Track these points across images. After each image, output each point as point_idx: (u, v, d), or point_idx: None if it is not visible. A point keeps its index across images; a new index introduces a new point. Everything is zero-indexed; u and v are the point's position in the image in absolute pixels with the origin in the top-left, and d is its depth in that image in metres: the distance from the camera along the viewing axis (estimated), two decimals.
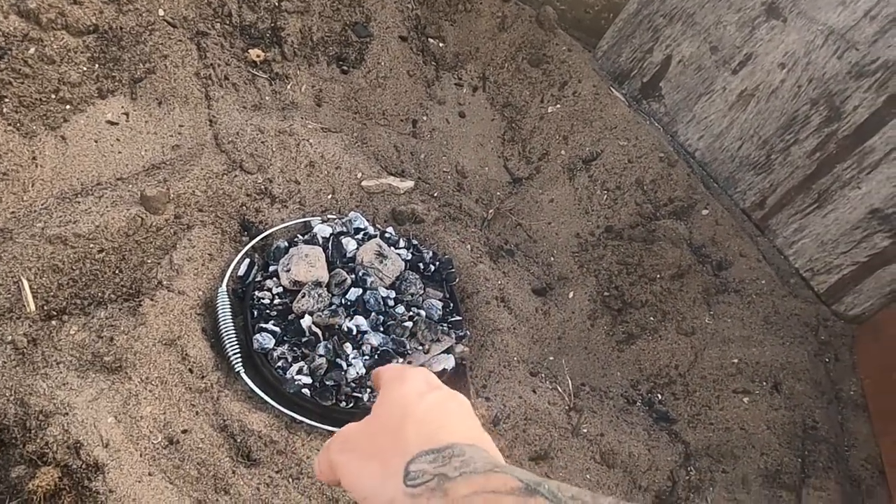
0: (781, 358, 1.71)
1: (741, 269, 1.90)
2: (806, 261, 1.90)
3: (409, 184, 1.82)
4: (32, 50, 1.47)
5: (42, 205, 1.42)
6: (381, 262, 1.51)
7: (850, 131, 1.76)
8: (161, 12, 1.63)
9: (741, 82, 1.96)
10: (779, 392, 1.67)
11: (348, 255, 1.53)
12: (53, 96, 1.50)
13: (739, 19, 1.94)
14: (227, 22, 1.76)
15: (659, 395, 1.72)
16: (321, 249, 1.49)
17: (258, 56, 1.80)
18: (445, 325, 1.53)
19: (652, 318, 1.81)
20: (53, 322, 1.32)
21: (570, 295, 1.83)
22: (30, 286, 1.31)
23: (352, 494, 0.47)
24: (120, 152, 1.55)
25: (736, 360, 1.72)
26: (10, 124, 1.43)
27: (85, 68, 1.54)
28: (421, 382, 0.50)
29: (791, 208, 1.91)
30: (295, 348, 1.38)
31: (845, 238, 1.81)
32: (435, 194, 1.90)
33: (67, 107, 1.52)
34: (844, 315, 1.86)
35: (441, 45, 2.12)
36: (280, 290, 1.46)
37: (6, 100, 1.44)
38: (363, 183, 1.76)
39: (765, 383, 1.69)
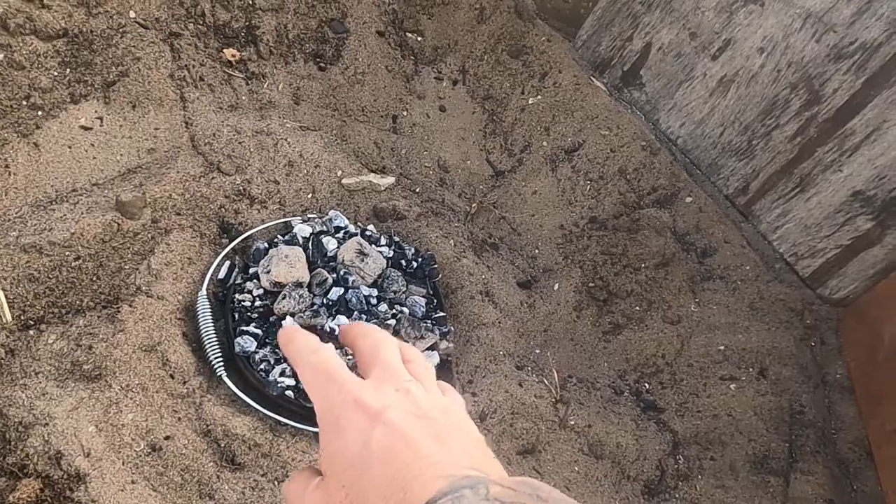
0: (767, 343, 1.72)
1: (726, 255, 1.90)
2: (790, 245, 1.90)
3: (390, 180, 1.80)
4: (1, 56, 1.45)
5: (16, 213, 1.40)
6: (363, 260, 1.50)
7: (830, 114, 1.76)
8: (132, 14, 1.61)
9: (721, 68, 1.96)
10: (765, 378, 1.68)
11: (329, 254, 1.52)
12: (24, 103, 1.48)
13: (717, 4, 1.93)
14: (201, 22, 1.74)
15: (646, 385, 1.72)
16: (301, 249, 1.48)
17: (233, 56, 1.78)
18: (429, 321, 1.52)
19: (637, 308, 1.81)
20: (31, 332, 1.30)
21: (556, 287, 1.83)
22: (6, 296, 1.30)
23: None
24: (94, 157, 1.53)
25: (722, 347, 1.72)
26: None
27: (56, 73, 1.52)
28: (357, 420, 0.42)
29: (774, 193, 1.91)
30: (277, 350, 1.37)
31: (828, 221, 1.81)
32: (417, 190, 1.89)
33: (39, 113, 1.50)
34: (829, 298, 1.86)
35: (419, 38, 2.10)
36: (261, 291, 1.45)
37: None
38: (343, 181, 1.74)
39: (751, 369, 1.69)
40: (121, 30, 1.59)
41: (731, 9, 1.91)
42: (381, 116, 1.99)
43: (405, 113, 2.03)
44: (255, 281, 1.46)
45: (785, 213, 1.89)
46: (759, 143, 1.91)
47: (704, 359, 1.71)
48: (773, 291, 1.83)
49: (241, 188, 1.62)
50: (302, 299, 1.41)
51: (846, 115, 1.73)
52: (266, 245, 1.51)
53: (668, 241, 1.86)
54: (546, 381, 1.61)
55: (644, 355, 1.75)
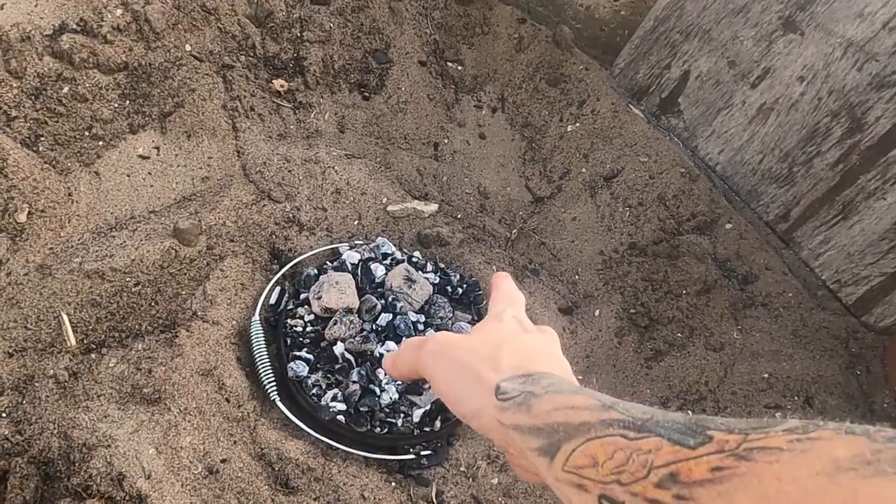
0: (812, 371, 1.71)
1: (767, 282, 1.89)
2: (833, 272, 1.89)
3: (434, 207, 1.84)
4: (66, 89, 1.51)
5: (79, 240, 1.46)
6: (410, 286, 1.53)
7: (872, 142, 1.76)
8: (188, 48, 1.67)
9: (760, 96, 1.97)
10: (811, 406, 1.66)
11: (377, 280, 1.55)
12: (87, 133, 1.54)
13: (756, 34, 1.95)
14: (252, 54, 1.80)
15: (689, 412, 1.71)
16: (351, 276, 1.51)
17: (282, 86, 1.83)
18: None
19: (679, 335, 1.81)
20: (93, 355, 1.35)
21: (597, 313, 1.84)
22: (69, 321, 1.34)
23: (439, 394, 0.53)
24: (152, 186, 1.59)
25: (766, 375, 1.71)
26: (46, 162, 1.47)
27: (116, 105, 1.58)
28: (517, 325, 0.55)
29: (816, 220, 1.90)
30: (329, 375, 1.40)
31: (872, 249, 1.80)
32: (459, 216, 1.92)
33: (100, 143, 1.56)
34: (874, 326, 1.85)
35: (459, 68, 2.15)
36: (312, 317, 1.48)
37: (42, 138, 1.48)
38: (388, 208, 1.78)
39: (796, 398, 1.68)
40: (177, 63, 1.65)
41: (770, 38, 1.93)
42: (423, 144, 2.03)
43: (446, 140, 2.07)
44: (306, 307, 1.49)
45: (827, 240, 1.89)
46: (800, 170, 1.91)
47: (749, 386, 1.70)
48: (817, 319, 1.82)
49: (290, 215, 1.67)
50: (352, 325, 1.43)
51: (889, 143, 1.73)
52: (316, 271, 1.55)
53: (708, 267, 1.86)
54: None
55: (687, 382, 1.75)
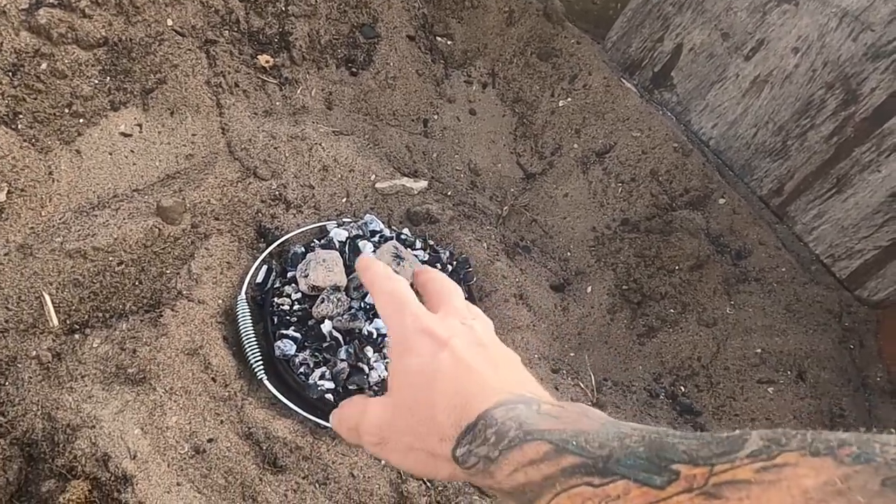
0: (805, 346, 1.70)
1: (761, 257, 1.88)
2: (826, 247, 1.87)
3: (423, 184, 1.81)
4: (44, 65, 1.47)
5: (60, 219, 1.43)
6: (399, 264, 1.51)
7: (867, 114, 1.74)
8: (170, 22, 1.64)
9: (754, 68, 1.94)
10: (804, 381, 1.66)
11: None
12: (67, 110, 1.50)
13: (750, 5, 1.92)
14: (236, 29, 1.76)
15: (682, 388, 1.70)
16: (338, 254, 1.49)
17: (267, 62, 1.80)
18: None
19: (672, 310, 1.80)
20: (76, 336, 1.33)
21: (589, 289, 1.82)
22: (52, 301, 1.32)
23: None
24: (134, 164, 1.56)
25: (759, 350, 1.70)
26: (25, 140, 1.44)
27: (97, 81, 1.54)
28: (426, 345, 0.48)
29: (809, 194, 1.89)
30: (316, 353, 1.38)
31: (866, 222, 1.78)
32: (449, 193, 1.89)
33: (81, 120, 1.52)
34: (868, 300, 1.84)
35: (449, 42, 2.11)
36: (299, 295, 1.46)
37: (21, 116, 1.45)
38: (377, 185, 1.75)
39: (789, 372, 1.67)
40: (159, 38, 1.62)
41: (764, 9, 1.89)
42: (413, 120, 2.00)
43: (436, 116, 2.03)
44: (293, 285, 1.47)
45: (821, 214, 1.87)
46: (794, 143, 1.89)
47: (741, 362, 1.69)
48: (810, 293, 1.81)
49: (277, 193, 1.64)
50: (340, 303, 1.42)
51: (884, 115, 1.70)
52: (303, 249, 1.53)
53: (701, 242, 1.84)
54: (582, 385, 1.60)
55: (679, 358, 1.74)
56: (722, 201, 1.95)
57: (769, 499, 0.27)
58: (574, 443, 0.38)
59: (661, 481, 0.32)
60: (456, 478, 0.46)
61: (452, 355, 0.47)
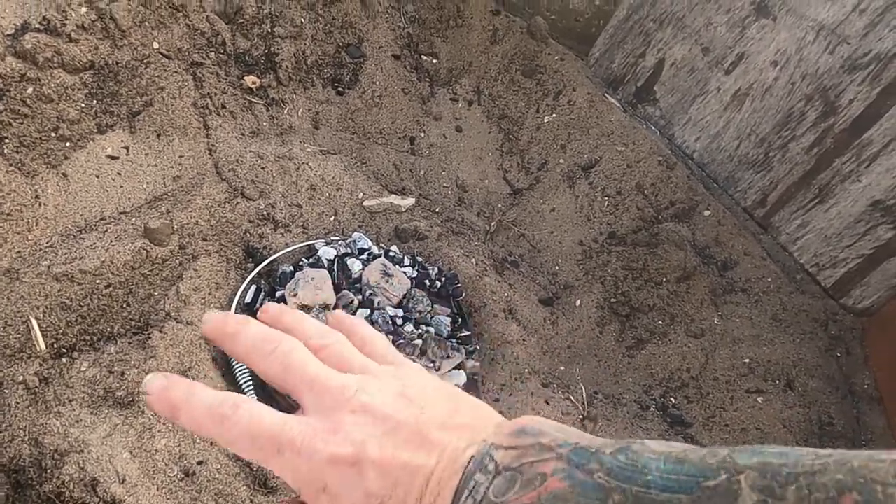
0: (793, 355, 1.71)
1: (746, 268, 1.90)
2: (811, 256, 1.90)
3: (411, 201, 1.82)
4: (30, 90, 1.48)
5: (47, 243, 1.43)
6: (388, 281, 1.51)
7: (846, 125, 1.77)
8: (156, 45, 1.65)
9: (735, 82, 1.97)
10: (792, 390, 1.67)
11: (354, 276, 1.53)
12: (53, 134, 1.51)
13: (729, 20, 1.95)
14: (222, 51, 1.77)
15: (672, 399, 1.71)
16: (327, 272, 1.50)
17: (254, 83, 1.81)
18: (455, 340, 1.53)
19: (660, 322, 1.81)
20: (64, 360, 1.32)
21: (577, 303, 1.83)
22: (39, 325, 1.31)
23: None
24: (122, 186, 1.56)
25: (747, 360, 1.71)
26: (11, 164, 1.44)
27: (83, 105, 1.55)
28: (363, 418, 0.37)
29: (793, 205, 1.91)
30: None
31: (849, 231, 1.81)
32: (437, 210, 1.90)
33: (67, 144, 1.53)
34: (853, 308, 1.86)
35: (434, 61, 2.13)
36: None
37: (6, 140, 1.45)
38: (365, 203, 1.76)
39: (778, 381, 1.68)
40: (145, 61, 1.63)
41: (743, 24, 1.93)
42: (399, 138, 2.01)
43: (422, 134, 2.05)
44: (282, 304, 1.47)
45: (804, 223, 1.89)
46: (776, 154, 1.92)
47: (730, 372, 1.70)
48: (796, 303, 1.83)
49: (265, 213, 1.64)
50: None
51: (863, 126, 1.73)
52: (292, 268, 1.53)
53: (688, 254, 1.86)
54: (573, 398, 1.61)
55: (669, 370, 1.74)
56: (707, 213, 1.97)
57: None
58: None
59: None
60: None
61: (377, 472, 0.36)
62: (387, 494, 0.35)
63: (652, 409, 1.68)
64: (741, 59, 1.95)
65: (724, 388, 1.69)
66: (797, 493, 0.26)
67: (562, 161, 2.08)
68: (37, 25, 1.50)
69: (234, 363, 1.37)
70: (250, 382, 1.36)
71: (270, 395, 1.37)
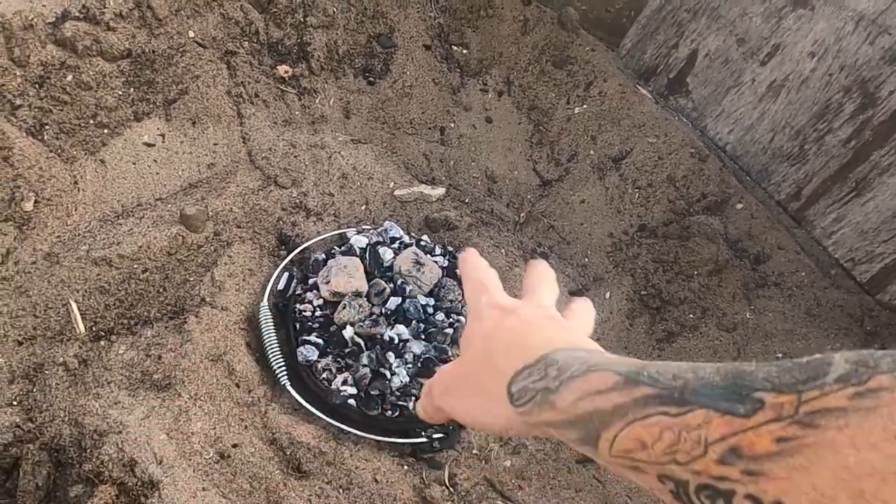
0: (827, 350, 1.68)
1: (780, 261, 1.87)
2: (846, 251, 1.86)
3: (441, 191, 1.82)
4: (70, 77, 1.50)
5: (86, 228, 1.45)
6: (419, 269, 1.51)
7: (886, 117, 1.73)
8: (191, 34, 1.66)
9: (770, 73, 1.94)
10: None
11: (386, 264, 1.54)
12: (91, 121, 1.53)
13: (765, 10, 1.92)
14: (255, 40, 1.78)
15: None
16: (359, 260, 1.50)
17: (286, 72, 1.82)
18: None
19: (691, 316, 1.79)
20: (102, 342, 1.34)
21: (607, 295, 1.82)
22: (78, 308, 1.34)
23: (471, 427, 0.51)
24: (157, 173, 1.58)
25: (780, 355, 1.69)
26: (51, 151, 1.47)
27: (120, 92, 1.57)
28: (495, 311, 0.52)
29: (828, 198, 1.88)
30: (339, 359, 1.39)
31: (886, 226, 1.77)
32: (466, 200, 1.90)
33: (105, 131, 1.55)
34: (889, 304, 1.82)
35: (465, 51, 2.13)
36: (321, 302, 1.47)
37: (47, 127, 1.47)
38: (395, 192, 1.77)
39: None
40: (180, 49, 1.64)
41: (779, 14, 1.90)
42: (429, 128, 2.01)
43: (452, 124, 2.05)
44: (314, 291, 1.48)
45: (840, 217, 1.86)
46: (812, 147, 1.89)
47: None
48: (831, 297, 1.80)
49: (297, 201, 1.65)
50: (361, 309, 1.42)
51: None
52: (324, 256, 1.54)
53: (720, 247, 1.84)
54: None
55: (700, 363, 1.73)
56: (739, 206, 1.94)
57: (871, 426, 0.26)
58: (645, 374, 0.37)
59: (745, 409, 0.30)
60: (512, 425, 0.46)
61: (518, 318, 0.50)
62: (510, 329, 0.49)
63: None
64: (777, 49, 1.92)
65: None
66: (890, 363, 0.27)
67: (592, 152, 2.06)
68: (76, 14, 1.52)
69: (267, 347, 1.38)
70: (283, 366, 1.37)
71: (300, 376, 1.38)
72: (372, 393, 1.36)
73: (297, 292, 1.49)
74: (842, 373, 0.28)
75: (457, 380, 0.51)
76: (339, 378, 1.36)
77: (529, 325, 0.49)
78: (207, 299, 1.43)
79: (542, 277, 0.59)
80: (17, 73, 1.44)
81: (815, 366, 0.30)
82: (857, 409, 0.27)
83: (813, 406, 0.28)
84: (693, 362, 0.36)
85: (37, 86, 1.47)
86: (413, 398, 1.37)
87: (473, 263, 0.59)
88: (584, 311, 0.58)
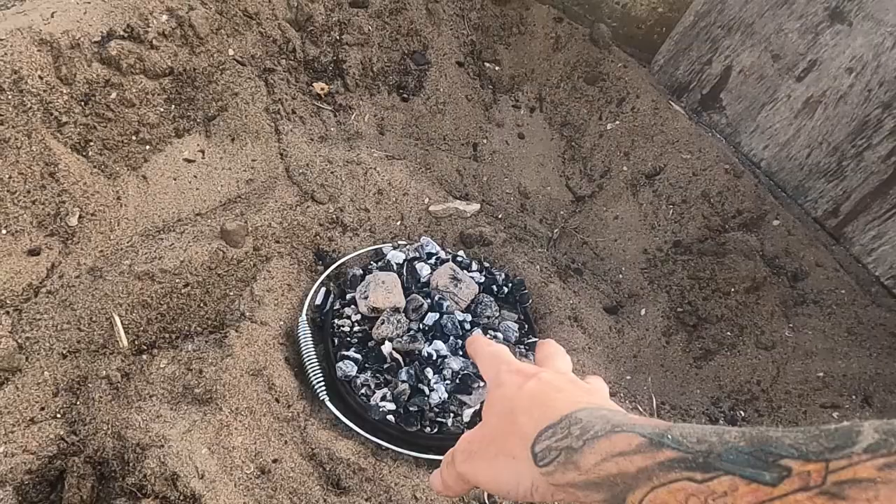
0: (870, 370, 1.65)
1: (818, 279, 1.85)
2: (887, 268, 1.83)
3: (476, 206, 1.82)
4: (114, 94, 1.53)
5: (128, 243, 1.47)
6: (456, 285, 1.51)
7: None
8: (231, 52, 1.69)
9: (806, 89, 1.93)
10: (870, 405, 1.61)
11: (423, 280, 1.54)
12: (134, 138, 1.55)
13: (802, 26, 1.91)
14: (292, 58, 1.80)
15: (742, 412, 1.67)
16: (396, 275, 1.50)
17: (322, 89, 1.84)
18: (523, 346, 1.52)
19: (729, 333, 1.77)
20: (144, 356, 1.35)
21: (643, 312, 1.81)
22: (121, 322, 1.35)
23: (495, 493, 0.52)
24: (198, 188, 1.60)
25: (821, 374, 1.66)
26: (95, 167, 1.49)
27: (162, 109, 1.59)
28: (516, 378, 0.52)
29: (867, 215, 1.85)
30: (377, 375, 1.38)
31: None
32: (500, 216, 1.90)
33: (147, 147, 1.57)
34: None
35: (497, 68, 2.14)
36: (359, 317, 1.47)
37: (91, 143, 1.50)
38: (430, 208, 1.77)
39: (854, 396, 1.63)
40: (220, 67, 1.67)
41: (816, 30, 1.89)
42: (462, 144, 2.02)
43: (485, 141, 2.05)
44: (352, 307, 1.48)
45: (880, 234, 1.83)
46: (850, 164, 1.86)
47: (803, 385, 1.66)
48: (872, 316, 1.77)
49: (334, 216, 1.66)
50: (400, 324, 1.42)
51: None
52: (361, 271, 1.54)
53: (757, 264, 1.82)
54: (640, 408, 1.58)
55: (738, 382, 1.70)
56: (776, 223, 1.92)
57: None
58: (669, 437, 0.36)
59: (772, 478, 0.30)
60: (537, 487, 0.45)
61: (539, 381, 0.50)
62: (532, 393, 0.49)
63: (721, 421, 1.64)
64: (813, 65, 1.90)
65: (797, 402, 1.64)
66: None
67: (625, 168, 2.06)
68: (121, 33, 1.55)
69: (306, 362, 1.39)
70: (322, 382, 1.37)
71: (340, 395, 1.38)
72: (411, 409, 1.35)
73: (335, 307, 1.49)
74: (871, 442, 0.28)
75: (480, 443, 0.51)
76: (378, 394, 1.36)
77: (551, 386, 0.49)
78: (247, 314, 1.44)
79: (554, 349, 0.60)
80: (64, 91, 1.47)
81: (843, 434, 0.29)
82: (886, 481, 0.26)
83: (841, 476, 0.28)
84: (717, 425, 0.36)
85: (82, 103, 1.49)
86: (451, 415, 1.37)
87: (484, 340, 0.61)
88: (600, 383, 0.58)
